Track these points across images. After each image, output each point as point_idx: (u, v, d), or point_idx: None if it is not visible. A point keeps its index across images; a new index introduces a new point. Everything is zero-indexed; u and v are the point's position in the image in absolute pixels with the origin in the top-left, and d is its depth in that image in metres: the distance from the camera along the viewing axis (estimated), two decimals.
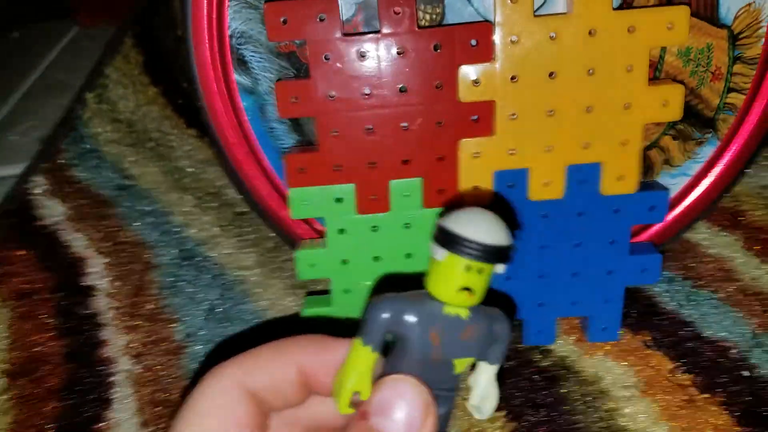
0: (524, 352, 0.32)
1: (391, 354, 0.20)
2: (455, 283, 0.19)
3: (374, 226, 0.29)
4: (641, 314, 0.33)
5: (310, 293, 0.34)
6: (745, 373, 0.29)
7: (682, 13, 0.25)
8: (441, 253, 0.19)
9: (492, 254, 0.19)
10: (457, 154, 0.27)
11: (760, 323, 0.32)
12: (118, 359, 0.33)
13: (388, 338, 0.20)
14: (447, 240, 0.19)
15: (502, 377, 0.29)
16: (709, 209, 0.31)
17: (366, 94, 0.27)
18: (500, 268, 0.20)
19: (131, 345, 0.34)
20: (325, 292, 0.31)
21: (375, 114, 0.27)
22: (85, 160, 0.48)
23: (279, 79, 0.28)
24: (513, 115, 0.27)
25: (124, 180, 0.46)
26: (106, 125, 0.51)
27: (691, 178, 0.30)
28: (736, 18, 0.27)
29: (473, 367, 0.21)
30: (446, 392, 0.20)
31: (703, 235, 0.38)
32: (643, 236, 0.31)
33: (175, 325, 0.35)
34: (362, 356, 0.19)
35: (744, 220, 0.38)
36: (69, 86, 0.59)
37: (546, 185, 0.28)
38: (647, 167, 0.30)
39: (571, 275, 0.30)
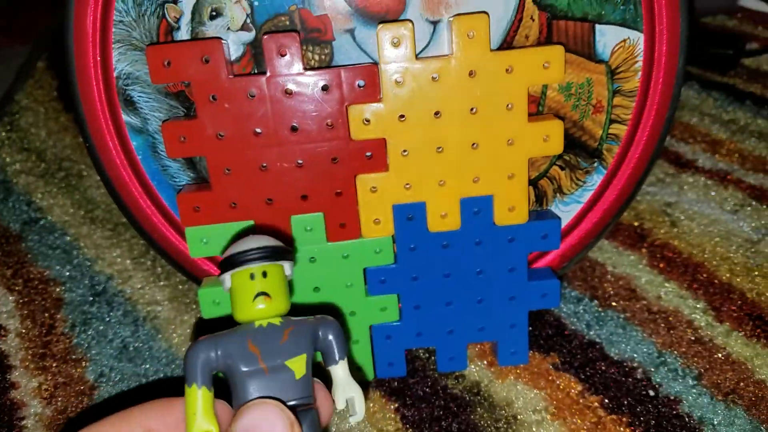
0: (439, 379, 0.32)
1: (232, 391, 0.20)
2: (248, 295, 0.20)
3: None
4: (550, 336, 0.34)
5: None
6: (651, 393, 0.30)
7: (557, 52, 0.25)
8: (227, 279, 0.21)
9: (262, 254, 0.21)
10: (355, 189, 0.28)
11: (664, 342, 0.33)
12: (28, 402, 0.32)
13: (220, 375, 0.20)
14: (224, 265, 0.21)
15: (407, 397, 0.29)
16: (604, 233, 0.32)
17: (257, 133, 0.27)
18: (287, 268, 0.22)
19: (42, 387, 0.33)
20: None
21: (268, 152, 0.27)
22: None
23: (168, 119, 0.27)
24: (404, 151, 0.27)
25: (33, 213, 0.45)
26: (16, 155, 0.49)
27: (583, 204, 0.31)
28: (612, 53, 0.28)
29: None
30: (300, 401, 0.20)
31: (608, 254, 0.39)
32: (543, 261, 0.32)
33: (86, 364, 0.34)
34: (194, 397, 0.19)
35: (648, 239, 0.40)
36: None
37: (443, 217, 0.28)
38: (540, 196, 0.31)
39: (477, 302, 0.30)
